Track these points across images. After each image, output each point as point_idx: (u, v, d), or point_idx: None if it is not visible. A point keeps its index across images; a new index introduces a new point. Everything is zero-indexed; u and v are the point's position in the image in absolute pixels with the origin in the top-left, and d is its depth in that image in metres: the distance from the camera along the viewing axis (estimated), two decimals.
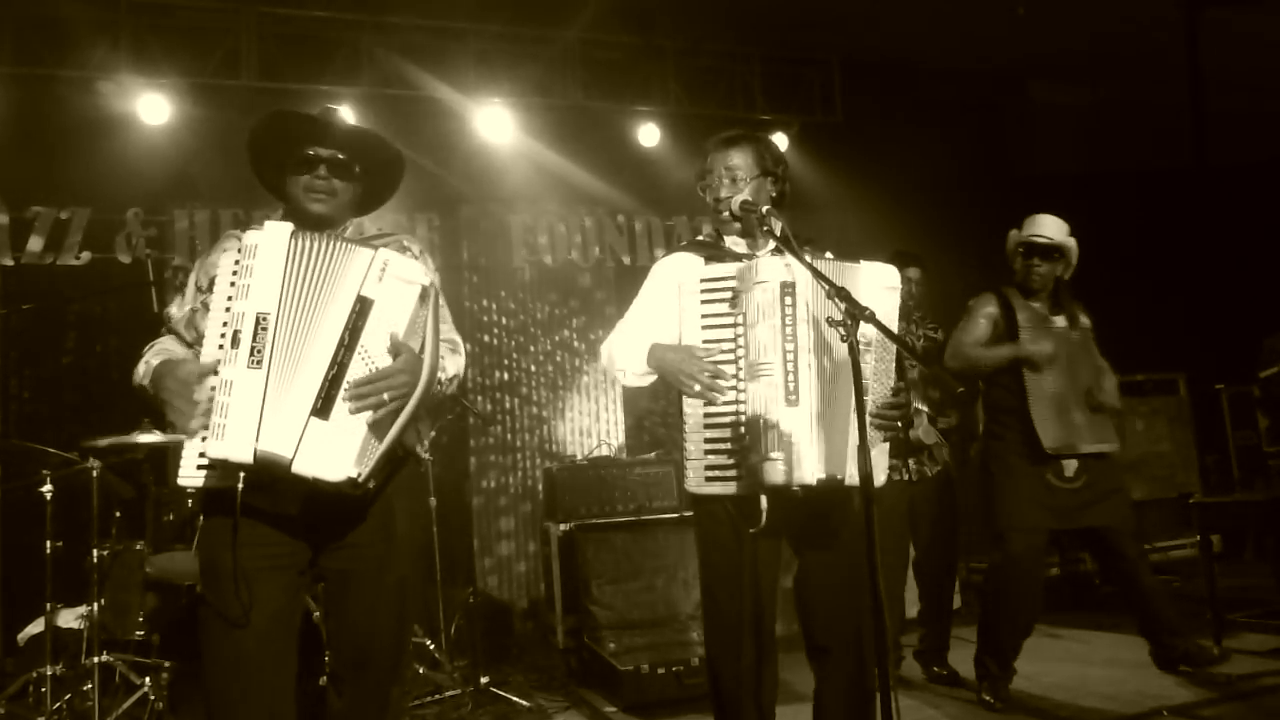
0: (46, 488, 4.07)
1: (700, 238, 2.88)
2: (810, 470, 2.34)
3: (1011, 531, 3.92)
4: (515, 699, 4.39)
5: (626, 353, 2.67)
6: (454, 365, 2.42)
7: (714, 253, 2.69)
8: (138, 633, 4.23)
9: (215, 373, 2.11)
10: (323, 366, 2.09)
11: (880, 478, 2.51)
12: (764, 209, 2.53)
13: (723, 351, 2.48)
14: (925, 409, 4.39)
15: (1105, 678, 4.16)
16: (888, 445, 2.59)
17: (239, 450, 2.05)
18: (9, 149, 5.64)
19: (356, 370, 2.11)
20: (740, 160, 2.71)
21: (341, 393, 2.08)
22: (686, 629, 4.77)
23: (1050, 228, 4.05)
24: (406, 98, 6.25)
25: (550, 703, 4.46)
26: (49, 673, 3.93)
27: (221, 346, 2.11)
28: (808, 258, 2.40)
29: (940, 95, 7.46)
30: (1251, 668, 4.06)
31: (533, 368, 6.99)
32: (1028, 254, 4.05)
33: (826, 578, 2.59)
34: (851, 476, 2.44)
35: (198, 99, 5.91)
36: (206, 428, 2.09)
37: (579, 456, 6.44)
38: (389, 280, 2.13)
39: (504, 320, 6.96)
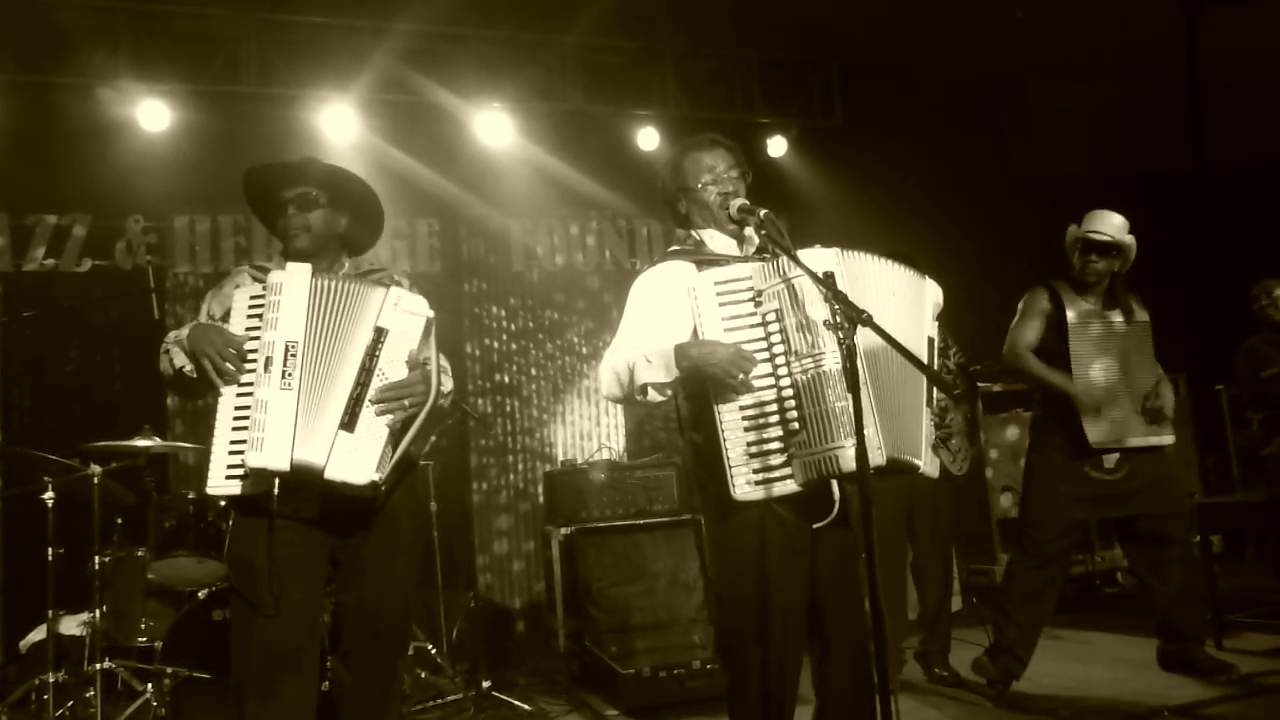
0: (48, 495, 4.08)
1: (675, 247, 2.78)
2: (878, 454, 2.31)
3: (1038, 526, 3.97)
4: (517, 702, 4.40)
5: (647, 365, 2.46)
6: (449, 383, 2.78)
7: (703, 258, 2.61)
8: (140, 639, 4.24)
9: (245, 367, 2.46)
10: (348, 386, 2.46)
11: (935, 470, 2.59)
12: (763, 213, 2.50)
13: (755, 351, 2.40)
14: None
15: (1107, 678, 4.16)
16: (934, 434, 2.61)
17: (277, 460, 2.37)
18: (9, 156, 5.65)
19: (375, 389, 2.48)
20: (735, 160, 2.71)
21: (365, 408, 2.45)
22: (688, 632, 4.77)
23: (1111, 225, 4.04)
24: (406, 103, 6.26)
25: (552, 706, 4.46)
26: (51, 680, 3.94)
27: (252, 370, 2.44)
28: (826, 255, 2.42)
29: (940, 98, 7.46)
30: (1253, 667, 4.05)
31: (534, 371, 7.00)
32: (1085, 250, 4.04)
33: (849, 569, 2.55)
34: (924, 463, 2.51)
35: (198, 105, 5.92)
36: (239, 385, 2.44)
37: (579, 460, 6.44)
38: (401, 313, 2.53)
39: (505, 324, 6.98)
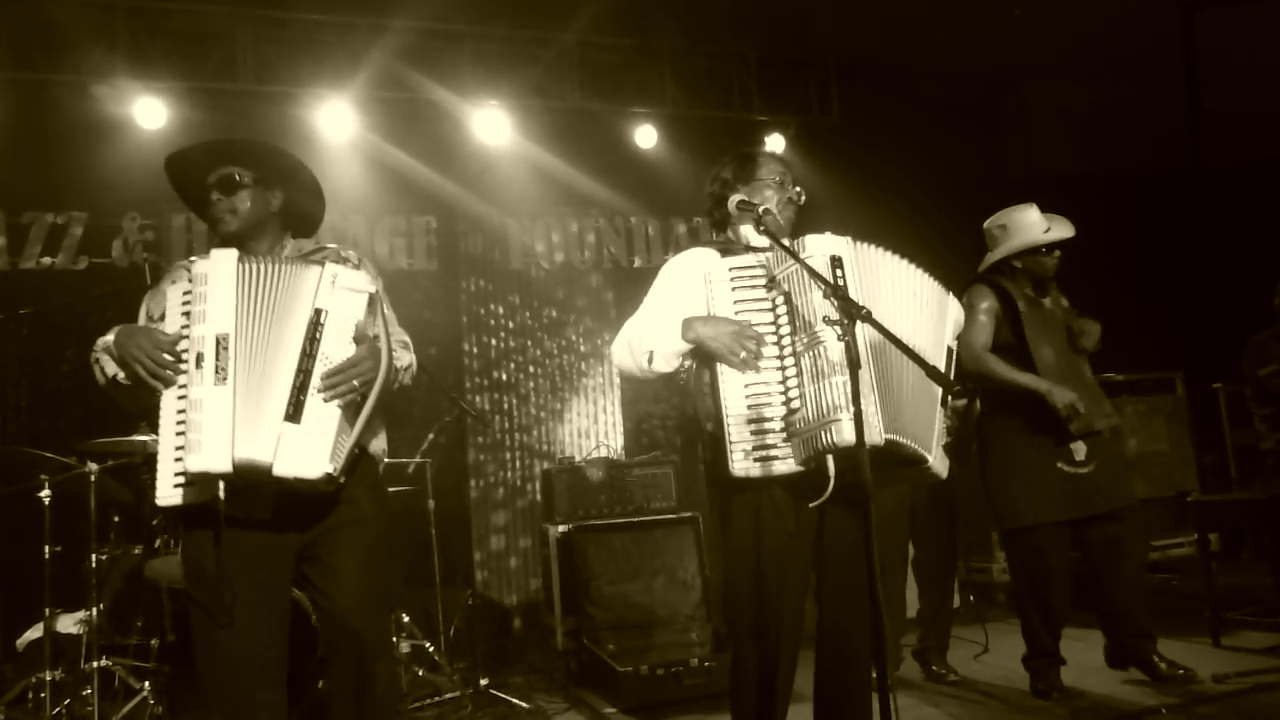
0: (45, 493, 4.07)
1: (710, 239, 2.90)
2: (876, 431, 2.33)
3: (1036, 531, 3.86)
4: (515, 700, 4.39)
5: (656, 333, 2.58)
6: (407, 357, 2.61)
7: (731, 247, 2.72)
8: (137, 637, 4.23)
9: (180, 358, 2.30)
10: (289, 375, 2.29)
11: (945, 471, 2.62)
12: (762, 208, 2.58)
13: (764, 334, 2.48)
14: None
15: (1103, 674, 4.15)
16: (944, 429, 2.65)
17: (217, 461, 2.22)
18: (5, 154, 5.64)
19: (319, 374, 2.32)
20: (790, 178, 2.84)
21: (310, 396, 2.29)
22: (686, 630, 4.76)
23: (1055, 219, 4.04)
24: (404, 100, 6.26)
25: (550, 704, 4.46)
26: (48, 678, 3.93)
27: (184, 369, 2.29)
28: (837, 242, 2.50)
29: (937, 97, 7.48)
30: (1249, 665, 4.06)
31: (532, 368, 7.00)
32: (1050, 249, 4.00)
33: (854, 556, 2.53)
34: (934, 460, 2.53)
35: (195, 103, 5.90)
36: (177, 386, 2.29)
37: (577, 458, 6.44)
38: (339, 291, 2.36)
39: (503, 322, 6.97)
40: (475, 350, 6.85)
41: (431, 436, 4.92)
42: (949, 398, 2.62)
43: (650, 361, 2.57)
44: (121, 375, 2.39)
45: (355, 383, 2.33)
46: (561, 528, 5.06)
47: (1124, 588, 3.91)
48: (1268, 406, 5.02)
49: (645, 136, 6.73)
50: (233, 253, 2.36)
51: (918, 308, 2.58)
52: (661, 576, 4.94)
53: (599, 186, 6.92)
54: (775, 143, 7.04)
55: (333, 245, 2.67)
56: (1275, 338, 5.00)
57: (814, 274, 2.34)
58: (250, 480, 2.28)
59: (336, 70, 6.07)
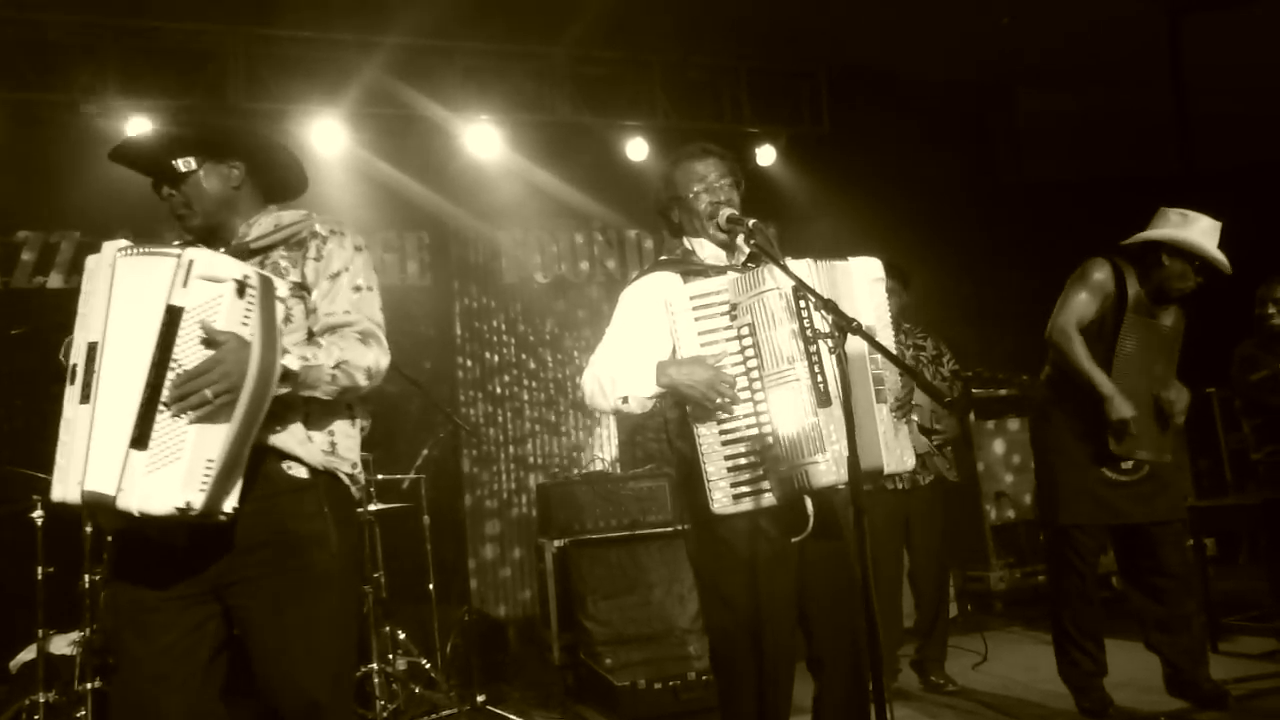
0: (38, 514, 4.06)
1: (665, 256, 2.82)
2: (840, 472, 2.31)
3: (1065, 530, 3.74)
4: (512, 716, 4.38)
5: (628, 377, 2.52)
6: (312, 356, 2.11)
7: (690, 268, 2.64)
8: None
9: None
10: (138, 391, 1.93)
11: (910, 461, 2.58)
12: (751, 223, 2.52)
13: (731, 365, 2.44)
14: (916, 418, 4.40)
15: (1106, 680, 4.15)
16: (907, 430, 2.62)
17: (70, 491, 1.96)
18: None
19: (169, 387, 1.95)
20: (727, 169, 2.73)
21: (160, 414, 1.92)
22: (683, 643, 4.75)
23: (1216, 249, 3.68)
24: (394, 116, 6.27)
25: None
26: (42, 700, 3.92)
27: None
28: (798, 266, 2.42)
29: (928, 104, 7.49)
30: (1247, 670, 4.06)
31: (526, 381, 6.99)
32: (1201, 267, 3.67)
33: (834, 581, 2.53)
34: (889, 465, 2.49)
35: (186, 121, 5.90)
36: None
37: (573, 472, 6.43)
38: (195, 282, 1.95)
39: (497, 336, 6.97)
40: (470, 364, 6.86)
41: (426, 452, 4.91)
42: (884, 391, 2.53)
43: (625, 403, 2.53)
44: None
45: (208, 393, 1.90)
46: (557, 542, 5.05)
47: (1158, 614, 3.74)
48: (1257, 417, 5.01)
49: (636, 149, 6.73)
50: (117, 243, 2.04)
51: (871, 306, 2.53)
52: (658, 590, 4.92)
53: (591, 200, 6.92)
54: (766, 154, 7.04)
55: (305, 217, 2.30)
56: (1258, 346, 4.99)
57: (809, 290, 2.29)
58: (100, 513, 1.99)
59: (327, 86, 6.07)
